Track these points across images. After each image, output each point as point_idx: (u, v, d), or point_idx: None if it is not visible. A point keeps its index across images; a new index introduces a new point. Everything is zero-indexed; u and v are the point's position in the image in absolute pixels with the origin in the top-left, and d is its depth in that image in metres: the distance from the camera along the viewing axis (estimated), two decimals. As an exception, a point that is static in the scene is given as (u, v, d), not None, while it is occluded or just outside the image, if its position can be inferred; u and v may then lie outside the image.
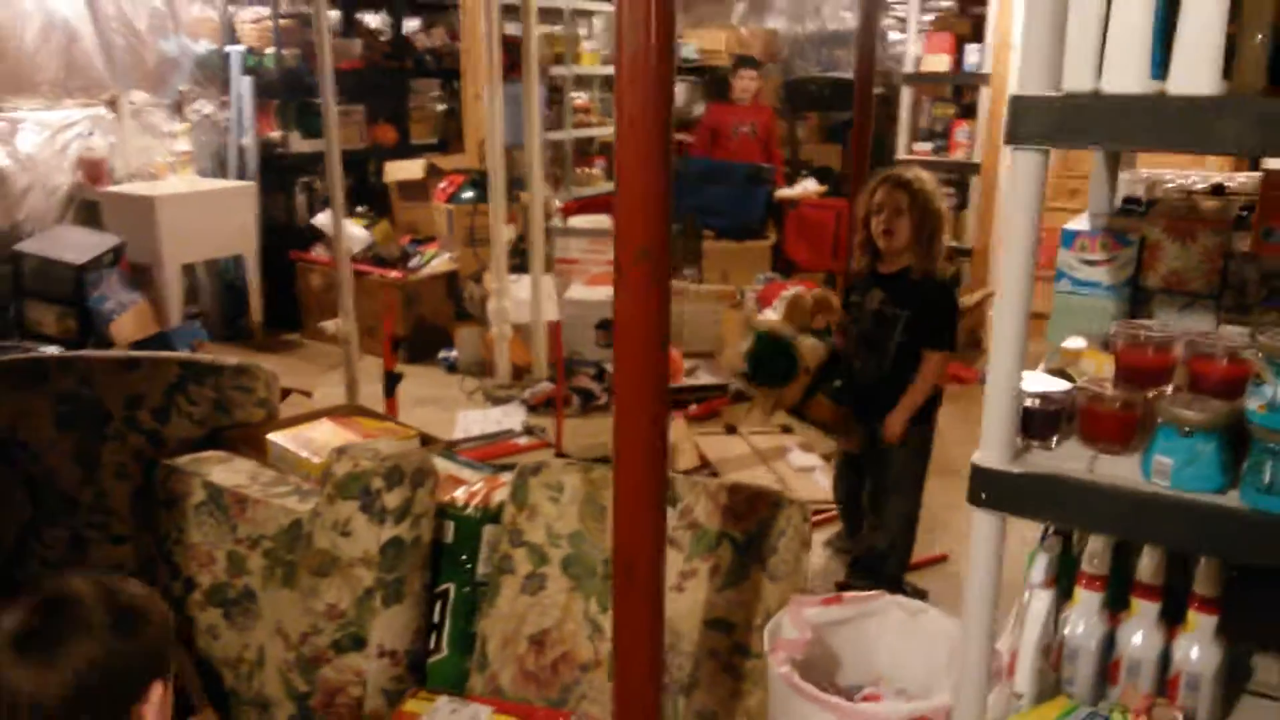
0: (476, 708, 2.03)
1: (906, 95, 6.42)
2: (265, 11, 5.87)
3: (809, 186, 6.65)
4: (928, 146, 6.40)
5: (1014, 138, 1.27)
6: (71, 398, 2.81)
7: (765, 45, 9.69)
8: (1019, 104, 1.26)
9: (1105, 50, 1.23)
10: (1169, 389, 1.41)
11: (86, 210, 5.34)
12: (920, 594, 3.26)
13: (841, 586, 3.13)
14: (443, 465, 2.56)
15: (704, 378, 4.96)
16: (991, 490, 1.36)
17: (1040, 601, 1.56)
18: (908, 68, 6.39)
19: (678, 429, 4.26)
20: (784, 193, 6.50)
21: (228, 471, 2.49)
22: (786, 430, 4.40)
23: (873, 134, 4.30)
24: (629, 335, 1.49)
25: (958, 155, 6.22)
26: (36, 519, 2.78)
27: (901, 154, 6.40)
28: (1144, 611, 1.56)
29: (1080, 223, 1.95)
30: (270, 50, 5.82)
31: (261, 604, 2.31)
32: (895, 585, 3.03)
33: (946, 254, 3.08)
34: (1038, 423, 1.43)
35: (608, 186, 7.42)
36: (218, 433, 2.88)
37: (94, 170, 5.31)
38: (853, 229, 3.15)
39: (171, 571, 2.50)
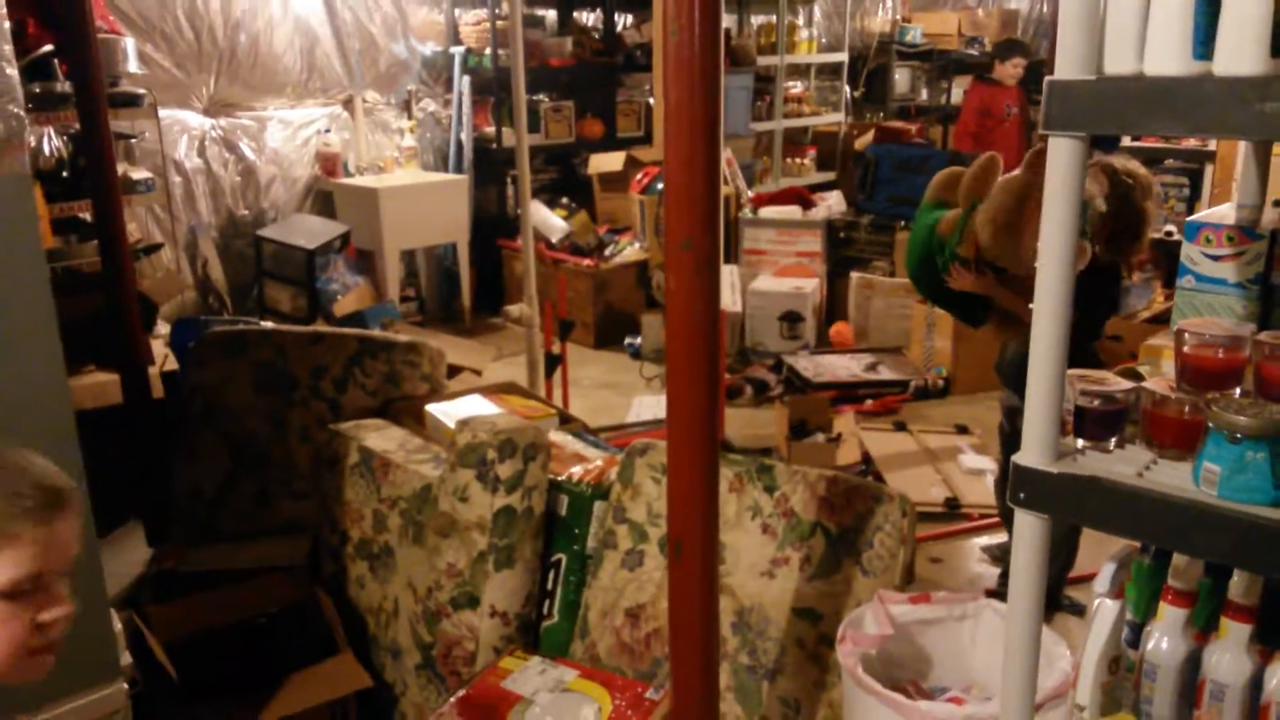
0: (564, 670, 2.12)
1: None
2: (484, 14, 6.25)
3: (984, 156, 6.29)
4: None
5: (1052, 123, 1.20)
6: (267, 366, 3.16)
7: (1003, 26, 9.23)
8: (1056, 88, 1.19)
9: (1147, 31, 1.14)
10: (1236, 392, 1.28)
11: (321, 200, 5.91)
12: (1078, 609, 3.06)
13: (990, 594, 2.99)
14: (570, 443, 2.68)
15: (885, 373, 4.83)
16: (1030, 490, 1.30)
17: (1106, 613, 1.46)
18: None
19: (844, 423, 4.19)
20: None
21: (380, 438, 2.73)
22: (962, 430, 4.23)
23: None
24: (677, 317, 1.53)
25: (1191, 142, 5.68)
26: (234, 474, 3.16)
27: (1127, 140, 5.92)
28: (1234, 633, 1.42)
29: (1212, 216, 1.78)
30: (487, 51, 6.19)
31: (398, 559, 2.52)
32: (1052, 596, 2.86)
33: (1141, 260, 2.83)
34: (1095, 423, 1.34)
35: (819, 178, 7.33)
36: (388, 404, 3.15)
37: (330, 164, 5.88)
38: None
39: (331, 526, 2.77)
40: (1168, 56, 1.13)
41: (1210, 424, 1.20)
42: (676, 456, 1.59)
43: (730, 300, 5.12)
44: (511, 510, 2.29)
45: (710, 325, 1.54)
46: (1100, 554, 3.11)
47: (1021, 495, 1.31)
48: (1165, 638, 1.48)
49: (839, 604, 2.04)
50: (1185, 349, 1.31)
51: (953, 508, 3.63)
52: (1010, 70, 6.29)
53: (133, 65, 4.50)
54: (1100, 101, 1.17)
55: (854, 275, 5.40)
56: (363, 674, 2.50)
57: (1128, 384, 1.35)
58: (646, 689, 2.03)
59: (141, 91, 4.46)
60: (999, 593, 2.99)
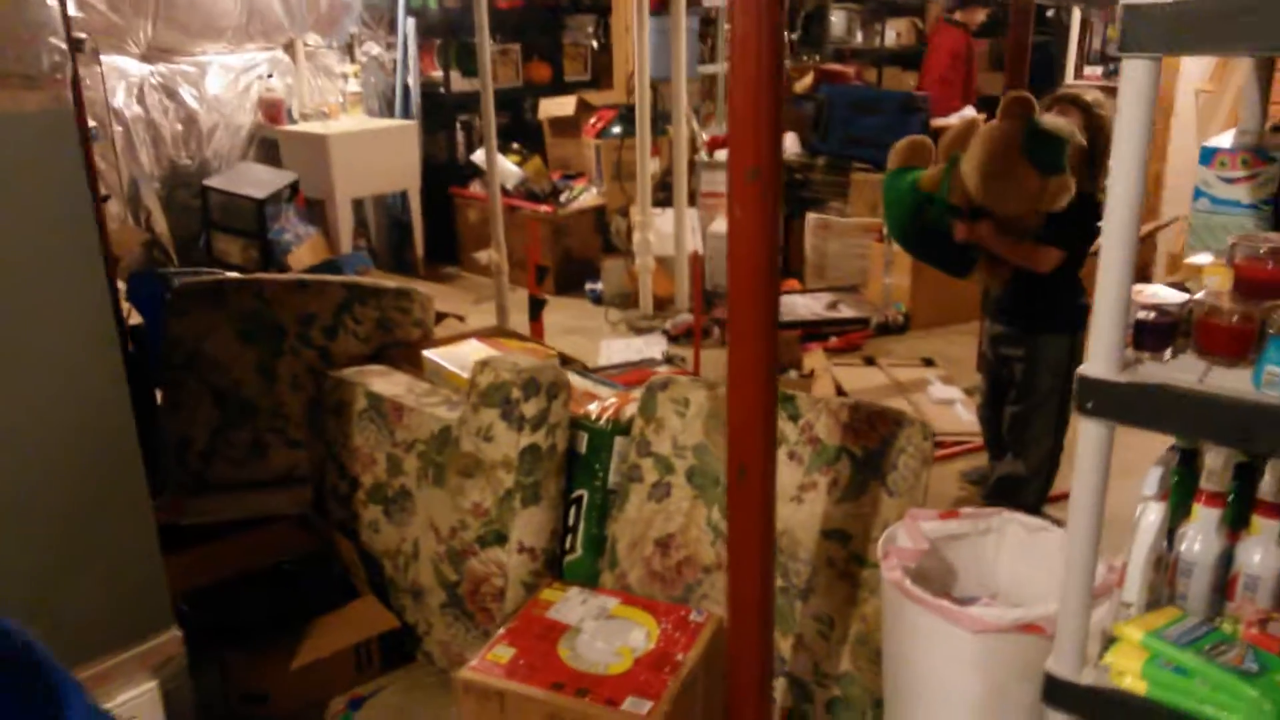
0: (605, 598, 2.18)
1: (1076, 16, 6.10)
2: (427, -47, 6.10)
3: (967, 114, 6.43)
4: (1098, 71, 6.08)
5: (1126, 46, 1.26)
6: (252, 315, 3.11)
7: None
8: (1131, 12, 1.25)
9: (1224, -50, 1.20)
10: (1290, 300, 1.38)
11: (266, 148, 5.74)
12: (1059, 525, 3.22)
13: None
14: (579, 382, 2.71)
15: (845, 311, 4.94)
16: (1098, 399, 1.38)
17: (1152, 514, 1.56)
18: (1078, -13, 6.05)
19: (815, 359, 4.30)
20: (939, 121, 6.31)
21: (387, 383, 2.72)
22: (928, 363, 4.37)
23: (1033, 57, 4.14)
24: (742, 247, 1.56)
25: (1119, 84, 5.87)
26: (223, 424, 3.11)
27: (1070, 78, 6.10)
28: (1265, 529, 1.54)
29: (1223, 140, 1.88)
30: (432, -8, 6.05)
31: (416, 501, 2.53)
32: (1035, 514, 3.01)
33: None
34: (1151, 334, 1.43)
35: (758, 121, 7.36)
36: (380, 350, 3.13)
37: (273, 110, 5.70)
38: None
39: (339, 472, 2.76)
40: (1246, -26, 1.19)
41: (1272, 329, 1.29)
42: (739, 383, 1.64)
43: (693, 243, 5.16)
44: (536, 448, 2.32)
45: (773, 255, 1.58)
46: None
47: (1089, 405, 1.39)
48: (1200, 537, 1.59)
49: (867, 524, 2.13)
50: (1239, 261, 1.40)
51: (926, 437, 3.76)
52: (976, 16, 6.40)
53: (71, 8, 4.28)
54: (1177, 22, 1.23)
55: (810, 216, 5.48)
56: (388, 615, 2.53)
57: (1181, 296, 1.44)
58: (689, 612, 2.10)
59: (83, 36, 4.25)
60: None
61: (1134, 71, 1.26)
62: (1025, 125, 2.74)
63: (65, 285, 1.58)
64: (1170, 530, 1.62)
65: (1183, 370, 1.39)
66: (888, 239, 5.08)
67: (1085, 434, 1.41)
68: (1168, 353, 1.43)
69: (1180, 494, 1.63)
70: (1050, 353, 2.92)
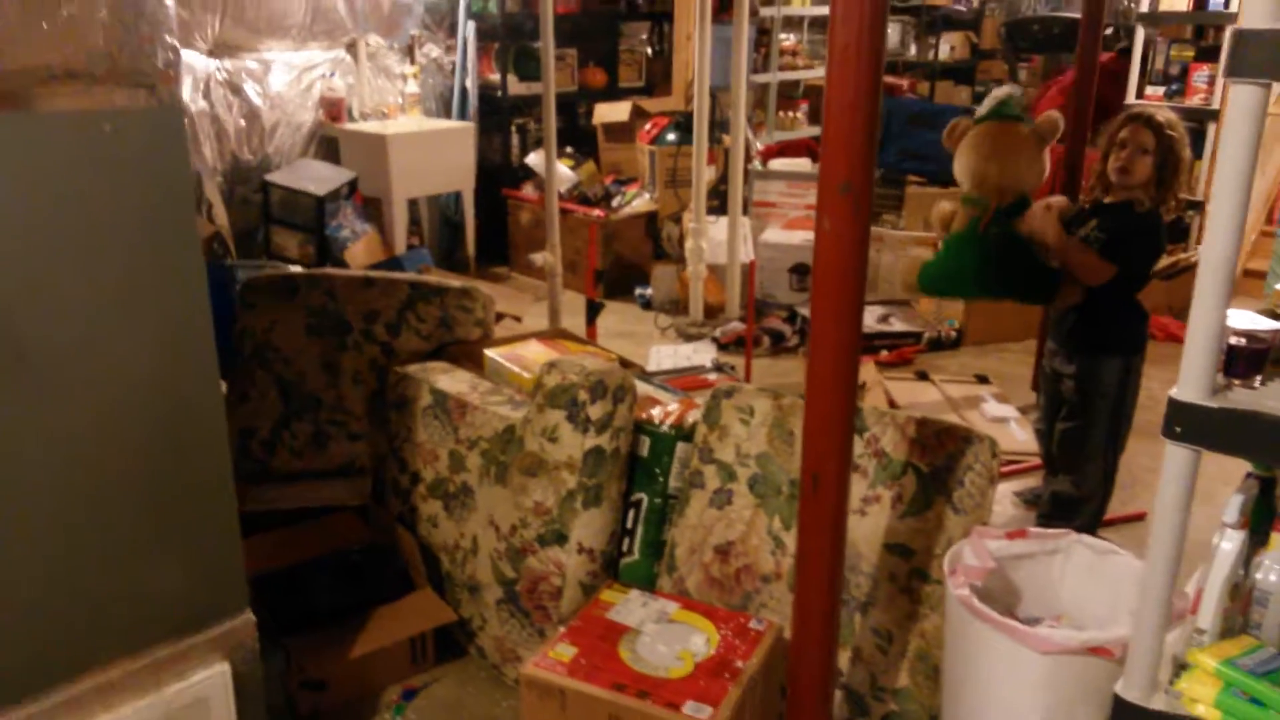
0: (665, 602, 2.19)
1: (1140, 36, 6.04)
2: (490, -43, 6.16)
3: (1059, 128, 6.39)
4: (1160, 91, 6.01)
5: (1235, 71, 1.27)
6: (319, 310, 3.16)
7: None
8: (1241, 38, 1.25)
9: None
10: (1387, 331, 1.37)
11: (326, 146, 5.83)
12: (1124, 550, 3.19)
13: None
14: (642, 387, 2.73)
15: (897, 325, 4.93)
16: (1187, 424, 1.38)
17: (1231, 542, 1.55)
18: (1144, 6, 6.00)
19: (867, 372, 4.29)
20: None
21: (451, 380, 2.75)
22: (982, 380, 4.35)
23: (1098, 78, 4.12)
24: (829, 258, 1.58)
25: (1194, 101, 5.80)
26: (287, 415, 3.17)
27: (1131, 98, 6.04)
28: (1345, 562, 1.53)
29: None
30: (493, -4, 6.11)
31: (477, 498, 2.56)
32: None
33: (1179, 205, 2.96)
34: (1242, 361, 1.43)
35: (810, 131, 7.36)
36: (442, 348, 3.17)
37: (334, 109, 5.79)
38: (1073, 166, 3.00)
39: (400, 466, 2.80)
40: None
41: (1369, 361, 1.28)
42: (818, 393, 1.66)
43: (745, 252, 5.17)
44: (600, 450, 2.34)
45: (860, 268, 1.59)
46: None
47: (1177, 429, 1.39)
48: (1277, 566, 1.58)
49: (930, 540, 2.13)
50: (1336, 291, 1.40)
51: (978, 455, 3.74)
52: None
53: (147, 2, 4.38)
54: (1287, 50, 1.23)
55: (863, 229, 5.47)
56: (446, 608, 2.56)
57: (1275, 324, 1.43)
58: (749, 619, 2.11)
59: (157, 29, 4.35)
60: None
61: (1242, 97, 1.26)
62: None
63: (167, 278, 1.62)
64: (1246, 559, 1.62)
65: (1273, 398, 1.38)
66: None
67: (1171, 458, 1.41)
68: (1258, 380, 1.43)
69: (1257, 522, 1.62)
70: (1104, 373, 2.90)
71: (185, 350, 1.69)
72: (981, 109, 3.03)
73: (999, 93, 3.03)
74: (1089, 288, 2.86)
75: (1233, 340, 1.41)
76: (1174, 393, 1.38)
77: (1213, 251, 1.32)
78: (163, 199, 1.59)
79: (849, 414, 1.65)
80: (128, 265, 1.59)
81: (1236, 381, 1.43)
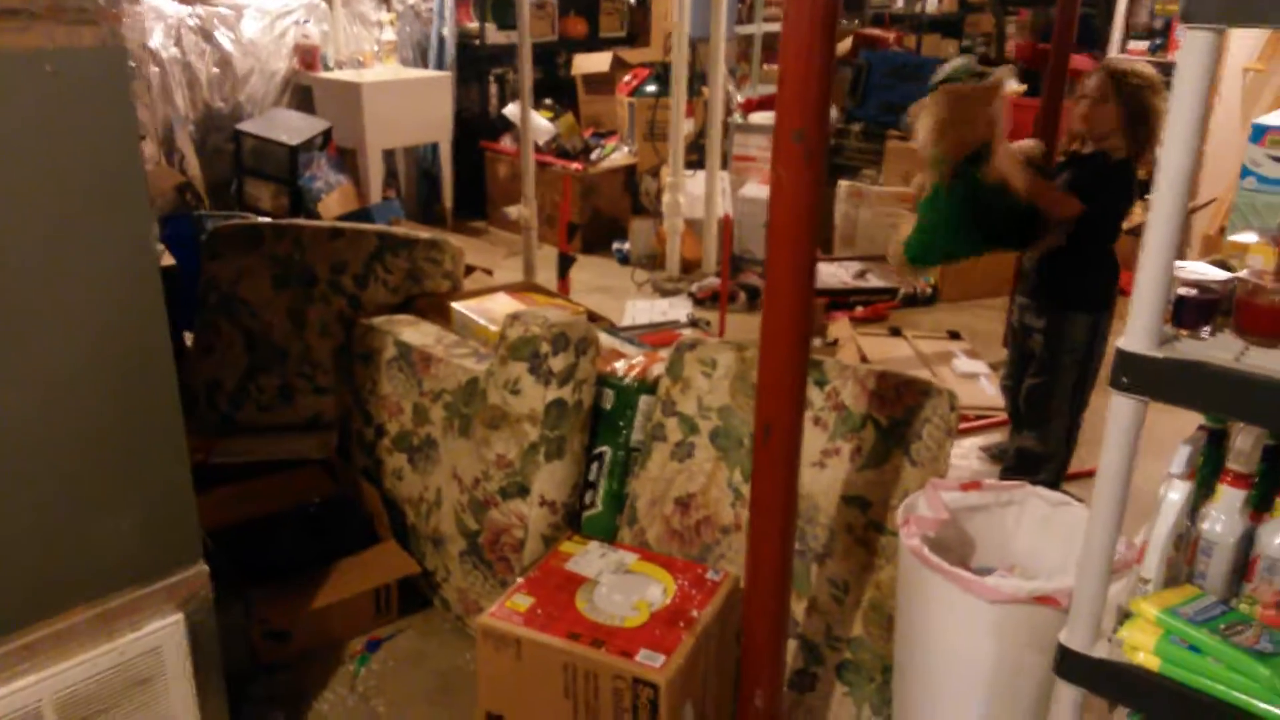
0: (623, 553, 2.20)
1: (1123, -10, 5.99)
2: (467, -98, 6.03)
3: (1008, 85, 6.33)
4: (1144, 45, 5.97)
5: (1190, 16, 1.25)
6: (285, 261, 3.13)
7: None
8: (1197, -17, 1.23)
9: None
10: (1333, 282, 1.37)
11: (300, 94, 5.74)
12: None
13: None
14: (606, 340, 2.72)
15: (874, 280, 4.92)
16: (1134, 375, 1.38)
17: (1176, 492, 1.56)
18: (1126, -40, 5.94)
19: (841, 327, 4.29)
20: (978, 94, 6.22)
21: (416, 333, 2.74)
22: (954, 336, 4.35)
23: (1077, 29, 4.08)
24: (783, 208, 1.56)
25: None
26: (253, 368, 3.15)
27: (1114, 51, 6.00)
28: (1290, 514, 1.54)
29: (1275, 118, 1.85)
30: (470, -59, 5.99)
31: (441, 451, 2.56)
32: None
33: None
34: (1191, 311, 1.42)
35: (793, 86, 7.28)
36: (409, 300, 3.15)
37: (308, 57, 5.69)
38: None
39: (365, 419, 2.79)
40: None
41: (1313, 312, 1.28)
42: (771, 343, 1.65)
43: (723, 206, 5.14)
44: (563, 403, 2.33)
45: (813, 218, 1.57)
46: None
47: (1124, 380, 1.39)
48: (1223, 516, 1.59)
49: (887, 492, 2.14)
50: (1284, 242, 1.39)
51: (949, 410, 3.76)
52: None
53: (111, -56, 4.28)
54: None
55: (842, 183, 5.44)
56: (409, 560, 2.57)
57: (1224, 274, 1.43)
58: (706, 570, 2.13)
59: (122, -27, 4.26)
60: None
61: (1194, 43, 1.24)
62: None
63: (111, 220, 1.59)
64: (1192, 510, 1.63)
65: (1221, 349, 1.38)
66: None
67: (1117, 409, 1.41)
68: (1206, 330, 1.42)
69: (1206, 474, 1.63)
70: (1071, 329, 2.91)
71: (132, 297, 1.66)
72: (935, 77, 3.02)
73: (951, 64, 3.07)
74: (1068, 235, 2.85)
75: (1181, 290, 1.40)
76: (1121, 343, 1.38)
77: (1162, 201, 1.31)
78: (107, 141, 1.56)
79: (801, 364, 1.65)
80: (71, 211, 1.56)
81: (1184, 332, 1.42)
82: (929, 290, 4.88)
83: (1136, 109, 2.75)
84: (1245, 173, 1.77)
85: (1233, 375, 1.31)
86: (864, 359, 4.05)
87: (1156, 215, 1.32)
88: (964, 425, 3.70)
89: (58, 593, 1.71)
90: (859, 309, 4.69)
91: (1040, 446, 3.02)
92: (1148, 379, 1.36)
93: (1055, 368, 2.95)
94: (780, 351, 1.64)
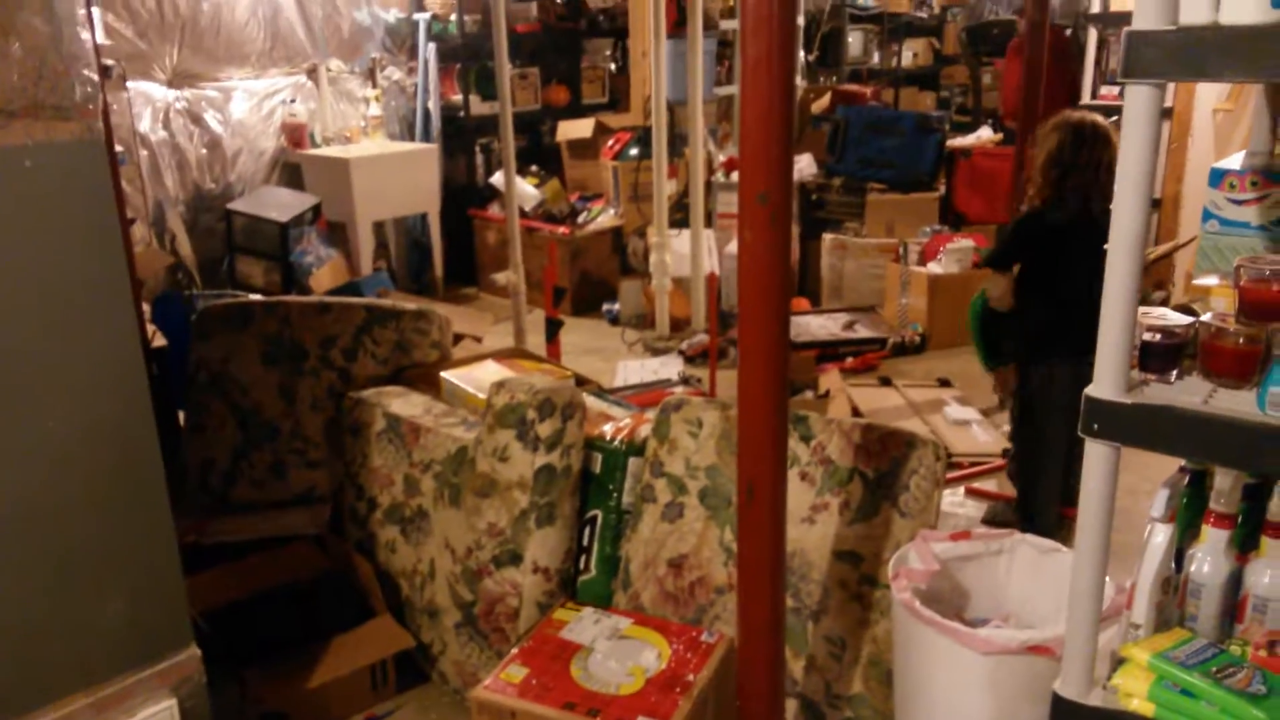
0: (617, 618, 2.19)
1: (1093, 36, 6.12)
2: (448, -20, 6.18)
3: (983, 135, 6.44)
4: (1116, 90, 6.08)
5: (1130, 72, 1.29)
6: (274, 338, 3.16)
7: (951, -13, 9.38)
8: (1134, 39, 1.27)
9: (1223, -17, 1.22)
10: (1295, 322, 1.39)
11: (289, 172, 5.83)
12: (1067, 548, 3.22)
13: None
14: (594, 403, 2.74)
15: (862, 331, 4.95)
16: (1104, 421, 1.39)
17: (1159, 535, 1.56)
18: (1094, 6, 6.08)
19: (831, 379, 4.31)
20: (956, 142, 6.32)
21: (405, 404, 2.75)
22: (944, 384, 4.37)
23: (1047, 78, 4.16)
24: (751, 269, 1.59)
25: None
26: (245, 445, 3.15)
27: (1086, 99, 6.11)
28: (1274, 551, 1.54)
29: (1232, 162, 1.89)
30: (453, 17, 6.12)
31: (433, 522, 2.56)
32: (1054, 532, 3.01)
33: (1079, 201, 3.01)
34: (1157, 356, 1.44)
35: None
36: (399, 372, 3.17)
37: (296, 135, 5.79)
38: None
39: (357, 492, 2.79)
40: (1245, 6, 1.21)
41: (1277, 352, 1.30)
42: (749, 403, 1.66)
43: (709, 264, 5.19)
44: (551, 468, 2.34)
45: (782, 277, 1.60)
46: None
47: (1095, 426, 1.40)
48: (1209, 558, 1.59)
49: (879, 546, 2.14)
50: (1244, 283, 1.41)
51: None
52: None
53: (100, 36, 4.39)
54: (1177, 50, 1.25)
55: (827, 237, 5.50)
56: (404, 634, 2.55)
57: (1187, 319, 1.45)
58: (700, 633, 2.12)
59: (110, 63, 4.36)
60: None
61: (1137, 98, 1.28)
62: None
63: (94, 310, 1.62)
64: (1180, 551, 1.63)
65: (1188, 392, 1.40)
66: (903, 259, 5.12)
67: (1091, 456, 1.42)
68: (1174, 375, 1.44)
69: (1189, 515, 1.63)
70: (1033, 380, 2.99)
71: (117, 384, 1.68)
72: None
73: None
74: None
75: (1146, 336, 1.42)
76: (1089, 390, 1.39)
77: (1118, 252, 1.34)
78: (87, 231, 1.59)
79: (781, 421, 1.66)
80: (52, 302, 1.58)
81: (1152, 377, 1.44)
82: (917, 339, 4.91)
83: (1049, 153, 2.83)
84: (1206, 215, 1.80)
85: (1201, 418, 1.33)
86: (855, 410, 4.06)
87: (1113, 264, 1.34)
88: (959, 473, 3.71)
89: (50, 681, 1.70)
90: (849, 360, 4.72)
91: (1024, 507, 3.06)
92: (1117, 425, 1.37)
93: (1029, 422, 3.02)
94: (759, 409, 1.66)
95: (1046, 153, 2.83)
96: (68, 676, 1.72)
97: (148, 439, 1.75)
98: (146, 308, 4.14)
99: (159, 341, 3.79)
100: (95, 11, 4.39)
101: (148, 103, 5.21)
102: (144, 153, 5.19)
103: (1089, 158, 2.78)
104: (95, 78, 1.51)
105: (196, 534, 2.90)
